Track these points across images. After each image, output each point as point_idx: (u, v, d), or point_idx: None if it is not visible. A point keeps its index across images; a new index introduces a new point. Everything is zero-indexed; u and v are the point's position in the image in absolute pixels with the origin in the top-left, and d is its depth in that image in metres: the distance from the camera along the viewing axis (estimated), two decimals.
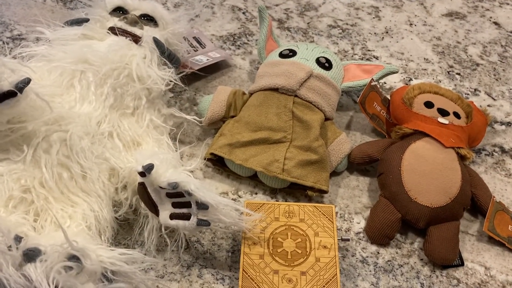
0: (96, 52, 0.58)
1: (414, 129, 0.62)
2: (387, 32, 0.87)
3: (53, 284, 0.39)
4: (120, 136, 0.57)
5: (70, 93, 0.56)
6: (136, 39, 0.63)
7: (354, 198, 0.63)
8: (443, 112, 0.64)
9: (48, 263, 0.40)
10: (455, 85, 0.78)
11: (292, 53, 0.68)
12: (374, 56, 0.82)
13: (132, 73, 0.59)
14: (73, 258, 0.41)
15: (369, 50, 0.83)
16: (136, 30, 0.64)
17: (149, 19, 0.66)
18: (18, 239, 0.42)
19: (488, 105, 0.76)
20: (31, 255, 0.41)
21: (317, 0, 0.92)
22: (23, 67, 0.49)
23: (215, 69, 0.77)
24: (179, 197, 0.49)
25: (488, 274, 0.56)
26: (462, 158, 0.61)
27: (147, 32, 0.64)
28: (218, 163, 0.63)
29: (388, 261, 0.57)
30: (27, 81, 0.46)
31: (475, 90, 0.78)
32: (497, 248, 0.59)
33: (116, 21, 0.64)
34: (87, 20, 0.64)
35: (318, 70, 0.66)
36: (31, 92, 0.48)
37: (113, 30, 0.62)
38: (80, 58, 0.57)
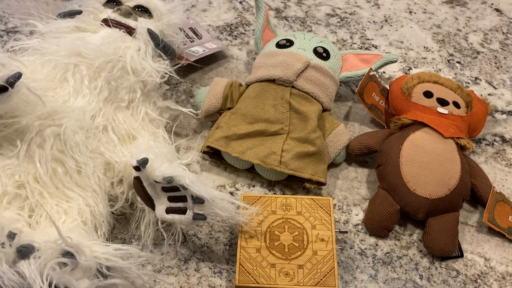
0: (89, 44, 0.57)
1: (413, 119, 0.61)
2: (386, 21, 0.86)
3: (47, 281, 0.39)
4: (115, 130, 0.56)
5: (64, 87, 0.55)
6: (130, 31, 0.62)
7: (352, 189, 0.62)
8: (443, 102, 0.63)
9: (42, 260, 0.40)
10: (456, 73, 0.77)
11: (289, 43, 0.67)
12: (373, 45, 0.81)
13: (126, 66, 0.58)
14: (67, 254, 0.41)
15: (368, 39, 0.82)
16: (130, 22, 0.63)
17: (143, 10, 0.65)
18: (11, 235, 0.42)
19: (489, 94, 0.75)
20: (24, 251, 0.41)
21: None
22: (14, 61, 0.48)
23: (212, 60, 0.76)
24: (174, 191, 0.49)
25: (488, 265, 0.56)
26: (461, 148, 0.60)
27: (141, 24, 0.63)
28: (215, 156, 0.63)
29: (387, 253, 0.56)
30: (18, 76, 0.46)
31: (475, 78, 0.77)
32: (497, 239, 0.58)
33: (109, 13, 0.63)
34: (80, 12, 0.63)
35: (316, 60, 0.65)
36: (22, 86, 0.47)
37: (106, 22, 0.61)
38: (73, 51, 0.56)
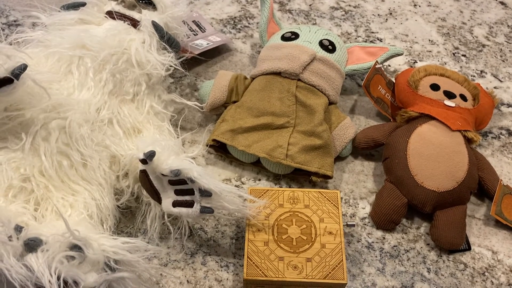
0: (93, 37, 0.56)
1: (420, 112, 0.61)
2: (391, 14, 0.85)
3: (55, 274, 0.39)
4: (120, 123, 0.56)
5: (68, 80, 0.55)
6: (134, 23, 0.61)
7: (359, 183, 0.62)
8: (450, 95, 0.62)
9: (49, 253, 0.40)
10: (461, 67, 0.77)
11: (294, 35, 0.66)
12: (378, 38, 0.81)
13: (131, 58, 0.57)
14: (75, 247, 0.41)
15: (372, 32, 0.82)
16: (134, 14, 0.62)
17: (147, 2, 0.64)
18: (18, 229, 0.41)
19: (495, 87, 0.74)
20: (32, 245, 0.40)
21: None
22: (19, 53, 0.48)
23: (216, 53, 0.75)
24: (181, 184, 0.48)
25: (495, 258, 0.55)
26: (469, 141, 0.59)
27: (145, 16, 0.62)
28: (220, 150, 0.62)
29: (394, 246, 0.56)
30: (23, 67, 0.45)
31: (481, 72, 0.76)
32: (504, 232, 0.58)
33: (113, 5, 0.62)
34: (84, 4, 0.62)
35: (322, 53, 0.64)
36: (28, 78, 0.47)
37: (110, 14, 0.61)
38: (77, 43, 0.56)
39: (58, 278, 0.39)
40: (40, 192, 0.49)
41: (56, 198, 0.49)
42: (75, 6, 0.62)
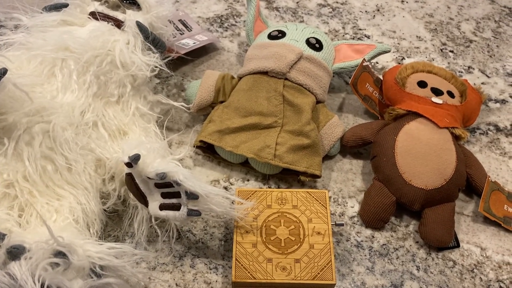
0: (77, 38, 0.55)
1: (408, 109, 0.61)
2: (378, 10, 0.85)
3: (39, 282, 0.38)
4: (105, 125, 0.55)
5: (52, 83, 0.54)
6: (118, 23, 0.60)
7: (347, 181, 0.62)
8: (437, 92, 0.62)
9: (33, 261, 0.39)
10: (449, 63, 0.77)
11: (281, 34, 0.66)
12: (365, 35, 0.80)
13: (115, 60, 0.56)
14: (59, 254, 0.40)
15: (360, 29, 0.81)
16: (118, 14, 0.62)
17: (131, 2, 0.64)
18: (1, 236, 0.41)
19: (482, 83, 0.74)
20: (15, 252, 0.40)
21: None
22: None
23: (203, 52, 0.75)
24: (168, 187, 0.48)
25: (484, 255, 0.56)
26: (456, 138, 0.59)
27: (129, 16, 0.62)
28: (208, 151, 0.62)
29: (383, 244, 0.56)
30: (3, 72, 0.44)
31: (468, 67, 0.76)
32: (493, 228, 0.58)
33: (96, 5, 0.62)
34: (66, 5, 0.61)
35: (309, 52, 0.64)
36: (8, 82, 0.46)
37: (94, 15, 0.60)
38: (60, 45, 0.55)
39: (42, 286, 0.38)
40: (24, 198, 0.48)
41: (40, 204, 0.48)
42: (57, 7, 0.61)
